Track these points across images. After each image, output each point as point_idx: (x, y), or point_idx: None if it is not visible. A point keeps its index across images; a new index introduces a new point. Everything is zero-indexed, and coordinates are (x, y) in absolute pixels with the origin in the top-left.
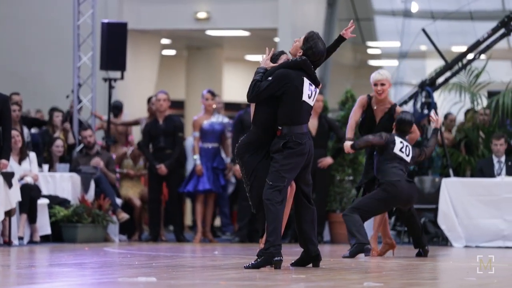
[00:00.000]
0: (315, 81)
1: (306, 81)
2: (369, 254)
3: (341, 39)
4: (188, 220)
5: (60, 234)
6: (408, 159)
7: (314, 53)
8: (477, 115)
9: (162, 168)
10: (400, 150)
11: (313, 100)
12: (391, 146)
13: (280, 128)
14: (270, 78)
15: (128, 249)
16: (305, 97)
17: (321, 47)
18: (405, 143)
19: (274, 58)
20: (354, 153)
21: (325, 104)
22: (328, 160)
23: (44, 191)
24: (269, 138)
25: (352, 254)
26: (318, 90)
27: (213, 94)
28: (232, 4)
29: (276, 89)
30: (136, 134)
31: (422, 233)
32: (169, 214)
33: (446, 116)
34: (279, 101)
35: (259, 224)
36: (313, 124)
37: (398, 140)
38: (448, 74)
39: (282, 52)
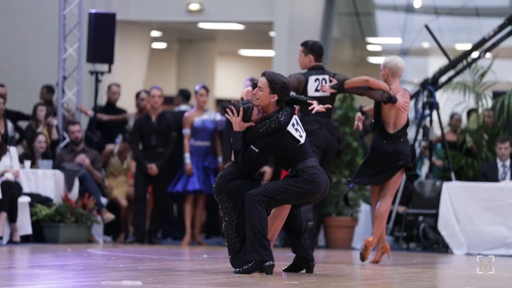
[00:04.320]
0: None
1: (291, 129)
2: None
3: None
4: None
5: (41, 234)
6: None
7: (288, 89)
8: (480, 116)
9: (153, 168)
10: None
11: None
12: None
13: (289, 170)
14: (255, 148)
15: (113, 251)
16: (300, 140)
17: (285, 78)
18: None
19: (246, 115)
20: (351, 155)
21: None
22: None
23: (25, 189)
24: (251, 174)
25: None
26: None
27: (207, 89)
28: None
29: (266, 154)
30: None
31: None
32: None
33: (451, 116)
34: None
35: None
36: None
37: None
38: (451, 72)
39: (248, 103)
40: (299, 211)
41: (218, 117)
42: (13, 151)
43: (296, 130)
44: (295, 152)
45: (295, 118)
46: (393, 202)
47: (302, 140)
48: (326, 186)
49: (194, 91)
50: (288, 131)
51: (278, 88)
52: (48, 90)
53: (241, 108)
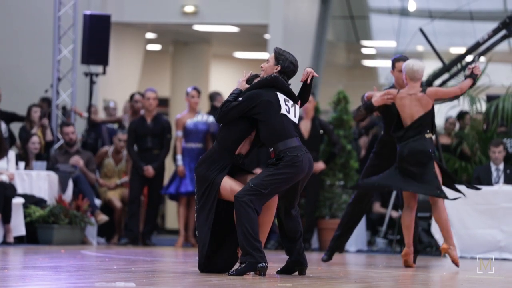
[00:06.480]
0: (291, 97)
1: (281, 96)
2: None
3: (305, 86)
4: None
5: (35, 235)
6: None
7: (292, 63)
8: (469, 119)
9: (149, 170)
10: None
11: (295, 117)
12: None
13: (272, 149)
14: (240, 98)
15: (107, 252)
16: (284, 111)
17: (293, 56)
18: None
19: (250, 81)
20: (345, 158)
21: (317, 105)
22: (320, 165)
23: (20, 190)
24: (230, 157)
25: None
26: (298, 106)
27: (198, 91)
28: None
29: (246, 109)
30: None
31: None
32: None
33: (446, 120)
34: (258, 123)
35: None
36: (305, 126)
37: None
38: (446, 76)
39: (257, 76)
40: (297, 212)
41: (211, 119)
42: (11, 155)
43: (286, 105)
44: (275, 123)
45: (290, 103)
46: (386, 206)
47: (285, 112)
48: (310, 164)
49: (185, 93)
50: (276, 94)
51: (282, 59)
52: (43, 101)
53: (249, 72)
